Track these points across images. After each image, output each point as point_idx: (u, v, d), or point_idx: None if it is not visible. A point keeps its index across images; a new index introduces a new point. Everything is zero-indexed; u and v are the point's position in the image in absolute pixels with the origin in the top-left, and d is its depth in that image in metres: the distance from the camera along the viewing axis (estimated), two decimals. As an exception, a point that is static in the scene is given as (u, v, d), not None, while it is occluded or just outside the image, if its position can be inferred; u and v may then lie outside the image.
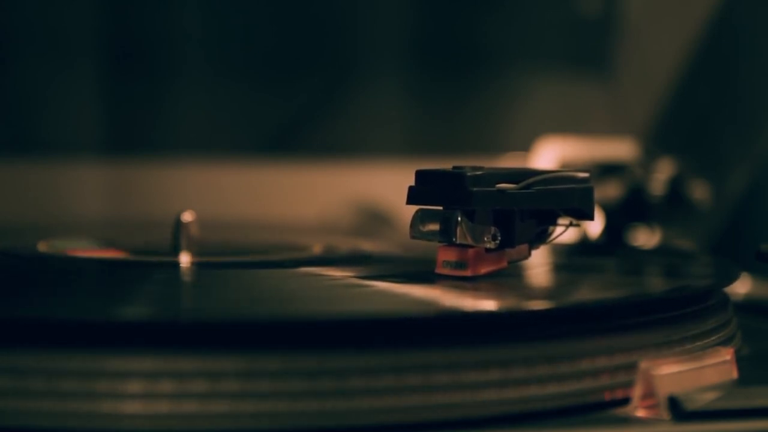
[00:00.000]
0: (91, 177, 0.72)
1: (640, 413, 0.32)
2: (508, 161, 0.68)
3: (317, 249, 0.48)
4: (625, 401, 0.32)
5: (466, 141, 0.78)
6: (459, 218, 0.36)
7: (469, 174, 0.36)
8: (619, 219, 0.58)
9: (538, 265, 0.42)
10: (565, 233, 0.40)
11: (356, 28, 0.77)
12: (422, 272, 0.39)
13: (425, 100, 0.78)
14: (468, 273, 0.37)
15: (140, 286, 0.37)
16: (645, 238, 0.58)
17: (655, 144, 0.67)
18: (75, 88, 0.72)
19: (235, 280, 0.39)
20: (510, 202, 0.37)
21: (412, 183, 0.37)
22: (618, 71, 0.78)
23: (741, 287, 0.51)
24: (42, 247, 0.47)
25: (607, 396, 0.32)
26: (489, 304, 0.34)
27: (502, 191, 0.36)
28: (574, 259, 0.48)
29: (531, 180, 0.37)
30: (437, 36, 0.78)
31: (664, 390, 0.31)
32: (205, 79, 0.75)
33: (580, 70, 0.79)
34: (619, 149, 0.62)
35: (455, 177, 0.36)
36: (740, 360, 0.35)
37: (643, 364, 0.32)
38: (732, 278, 0.40)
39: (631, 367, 0.32)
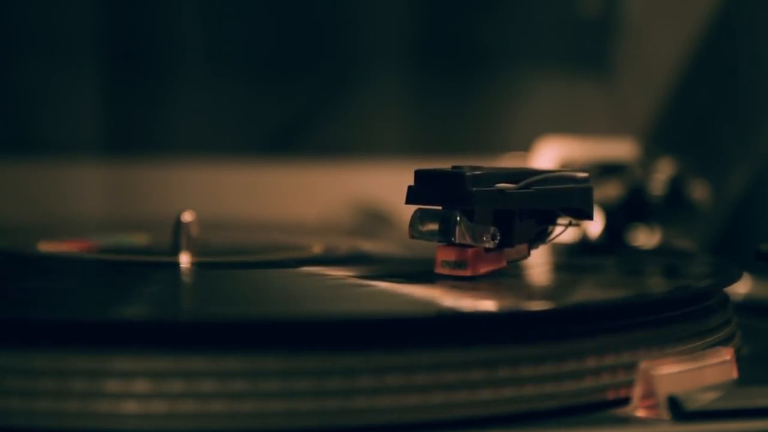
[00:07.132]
0: (91, 177, 0.72)
1: (640, 413, 0.31)
2: (508, 161, 0.68)
3: (317, 249, 0.48)
4: (625, 401, 0.32)
5: (466, 141, 0.78)
6: (458, 218, 0.36)
7: (468, 174, 0.36)
8: (619, 219, 0.58)
9: (537, 264, 0.42)
10: (564, 233, 0.40)
11: (356, 28, 0.77)
12: (422, 272, 0.39)
13: (425, 100, 0.78)
14: (467, 273, 0.37)
15: (140, 287, 0.37)
16: (645, 238, 0.58)
17: (655, 144, 0.67)
18: (75, 88, 0.72)
19: (236, 280, 0.39)
20: (509, 201, 0.37)
21: (412, 183, 0.37)
22: (618, 71, 0.78)
23: (741, 287, 0.51)
24: (43, 246, 0.47)
25: (608, 396, 0.32)
26: (488, 304, 0.34)
27: (502, 191, 0.36)
28: (574, 259, 0.48)
29: (530, 180, 0.37)
30: (437, 36, 0.78)
31: (664, 390, 0.31)
32: (205, 79, 0.75)
33: (580, 71, 0.79)
34: (619, 149, 0.62)
35: (454, 177, 0.36)
36: (740, 360, 0.35)
37: (643, 364, 0.32)
38: (732, 278, 0.40)
39: (631, 367, 0.32)
